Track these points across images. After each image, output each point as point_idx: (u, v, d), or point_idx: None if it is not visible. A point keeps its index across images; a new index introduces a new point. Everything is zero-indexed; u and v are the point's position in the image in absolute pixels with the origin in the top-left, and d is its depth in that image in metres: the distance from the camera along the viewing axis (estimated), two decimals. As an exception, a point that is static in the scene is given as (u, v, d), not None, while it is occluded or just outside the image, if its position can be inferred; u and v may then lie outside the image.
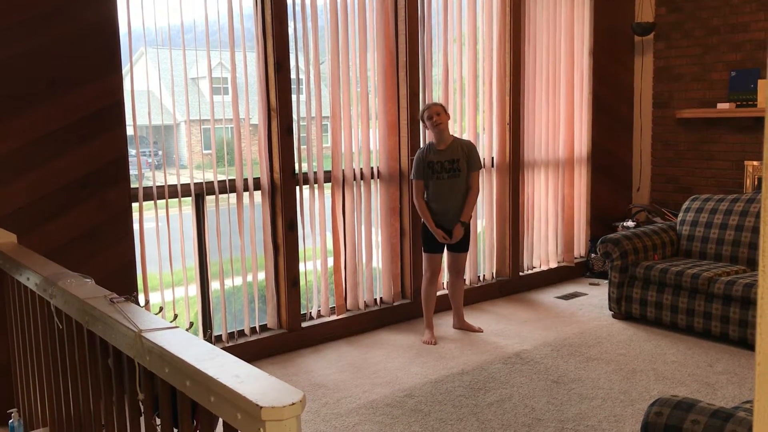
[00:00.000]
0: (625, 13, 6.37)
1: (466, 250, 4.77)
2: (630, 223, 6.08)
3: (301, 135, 4.55)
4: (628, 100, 6.53)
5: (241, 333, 4.40)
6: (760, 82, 5.58)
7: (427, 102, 4.93)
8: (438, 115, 4.48)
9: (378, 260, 5.06)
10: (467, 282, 5.54)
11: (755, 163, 5.70)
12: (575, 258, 6.30)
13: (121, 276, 3.74)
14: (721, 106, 5.80)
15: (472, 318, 5.07)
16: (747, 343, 4.32)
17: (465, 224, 4.63)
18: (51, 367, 2.51)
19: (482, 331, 4.80)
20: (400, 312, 5.06)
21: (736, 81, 5.76)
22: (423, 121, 4.60)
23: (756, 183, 5.70)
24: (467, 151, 4.60)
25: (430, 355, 4.38)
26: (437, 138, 4.55)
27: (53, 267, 2.54)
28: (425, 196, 4.62)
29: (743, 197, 4.95)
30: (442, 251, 4.71)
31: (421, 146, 4.68)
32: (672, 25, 6.20)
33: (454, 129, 5.37)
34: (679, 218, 5.25)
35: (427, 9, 5.03)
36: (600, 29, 6.16)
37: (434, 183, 4.56)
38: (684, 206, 5.26)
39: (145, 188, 3.90)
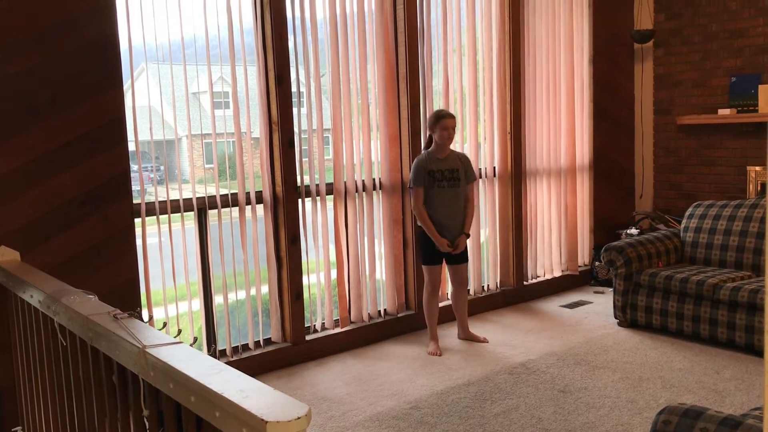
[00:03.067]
0: (624, 20, 6.38)
1: (467, 260, 4.77)
2: (633, 231, 6.07)
3: (303, 148, 4.55)
4: (629, 107, 6.54)
5: (245, 347, 4.39)
6: (760, 87, 5.58)
7: (435, 109, 4.81)
8: (452, 129, 4.50)
9: (381, 272, 5.05)
10: (472, 292, 5.53)
11: (757, 168, 5.69)
12: (579, 266, 6.28)
13: (125, 292, 3.73)
14: (722, 111, 5.80)
15: (476, 328, 5.05)
16: (754, 349, 4.30)
17: (468, 235, 4.69)
18: (55, 384, 2.50)
19: (487, 342, 4.77)
20: (405, 323, 5.05)
21: (736, 87, 5.76)
22: (432, 126, 4.52)
23: (759, 188, 5.70)
24: (464, 162, 4.65)
25: (436, 366, 4.36)
26: (440, 148, 4.53)
27: (56, 284, 2.53)
28: (427, 207, 4.56)
29: (746, 203, 4.94)
30: (442, 262, 4.69)
31: (420, 155, 4.61)
32: (671, 31, 6.21)
33: (455, 139, 5.37)
34: (682, 225, 5.24)
35: (426, 20, 5.05)
36: (599, 37, 6.17)
37: (436, 192, 4.53)
38: (687, 213, 5.25)
39: (147, 203, 3.90)
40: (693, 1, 6.03)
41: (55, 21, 3.46)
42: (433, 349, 4.60)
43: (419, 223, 4.60)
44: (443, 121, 4.47)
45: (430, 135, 4.60)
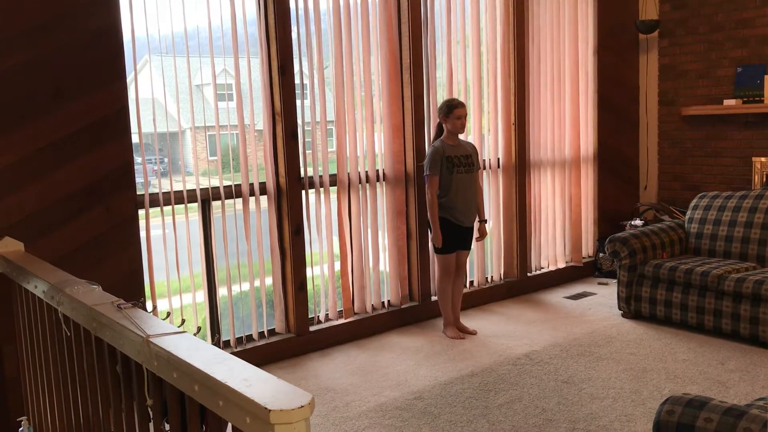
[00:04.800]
0: (628, 10, 6.35)
1: (471, 247, 4.80)
2: (638, 222, 6.06)
3: (306, 139, 4.55)
4: (634, 99, 6.51)
5: (249, 338, 4.40)
6: (766, 78, 5.55)
7: (445, 98, 4.81)
8: (465, 117, 4.58)
9: (385, 263, 5.05)
10: (475, 283, 5.53)
11: (763, 159, 5.67)
12: (583, 258, 6.27)
13: (129, 283, 3.74)
14: (727, 102, 5.77)
15: (480, 319, 5.05)
16: (758, 340, 4.29)
17: (486, 221, 4.93)
18: (60, 374, 2.51)
19: (476, 333, 4.77)
20: (408, 314, 5.05)
21: (742, 77, 5.73)
22: (445, 115, 4.56)
23: (764, 179, 5.67)
24: (473, 149, 4.74)
25: (439, 357, 4.36)
26: (453, 135, 4.59)
27: (60, 274, 2.54)
28: (445, 194, 4.57)
29: (751, 193, 4.92)
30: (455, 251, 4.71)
31: (434, 143, 4.62)
32: (676, 22, 6.18)
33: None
34: (687, 216, 5.23)
35: (430, 11, 5.03)
36: (604, 28, 6.14)
37: (456, 178, 4.56)
38: (692, 204, 5.23)
39: (151, 195, 3.90)
40: (698, -9, 5.99)
41: (58, 12, 3.46)
42: (455, 333, 4.67)
43: (428, 211, 4.62)
44: (456, 110, 4.53)
45: (439, 124, 4.64)
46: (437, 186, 4.55)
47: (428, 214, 4.62)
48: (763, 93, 5.58)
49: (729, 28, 5.83)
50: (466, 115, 4.60)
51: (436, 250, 4.66)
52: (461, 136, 4.69)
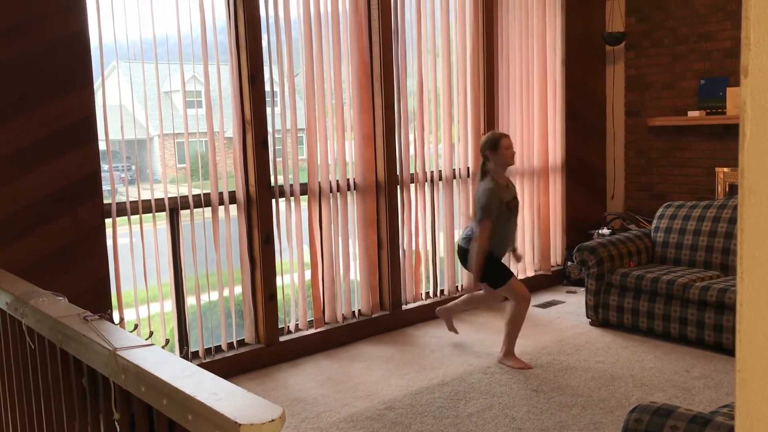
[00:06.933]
0: (595, 23, 6.45)
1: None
2: (605, 231, 6.13)
3: (277, 147, 4.53)
4: (601, 109, 6.61)
5: (218, 348, 4.35)
6: (728, 90, 5.68)
7: (487, 135, 4.32)
8: (512, 146, 4.22)
9: (356, 272, 5.04)
10: (446, 292, 5.55)
11: (726, 169, 5.79)
12: (552, 266, 6.33)
13: (95, 293, 3.68)
14: (691, 113, 5.88)
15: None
16: (722, 348, 4.37)
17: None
18: (23, 387, 2.45)
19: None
20: (379, 324, 5.04)
21: (705, 89, 5.85)
22: (492, 150, 4.16)
23: (727, 189, 5.79)
24: (514, 187, 4.41)
25: (410, 366, 4.36)
26: (503, 170, 4.22)
27: (25, 285, 2.49)
28: (495, 236, 4.17)
29: (715, 203, 5.02)
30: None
31: (483, 183, 4.20)
32: (642, 34, 6.29)
33: (430, 140, 5.40)
34: (653, 225, 5.31)
35: (400, 21, 5.06)
36: (571, 39, 6.23)
37: (510, 225, 4.24)
38: (658, 213, 5.32)
39: (118, 203, 3.85)
40: (663, 4, 6.11)
41: (25, 17, 3.40)
42: (523, 363, 4.30)
43: (475, 252, 4.16)
44: (504, 140, 4.17)
45: (483, 164, 4.23)
46: (490, 232, 4.13)
47: (473, 257, 4.18)
48: (725, 105, 5.71)
49: (692, 41, 5.96)
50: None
51: (500, 284, 4.29)
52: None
